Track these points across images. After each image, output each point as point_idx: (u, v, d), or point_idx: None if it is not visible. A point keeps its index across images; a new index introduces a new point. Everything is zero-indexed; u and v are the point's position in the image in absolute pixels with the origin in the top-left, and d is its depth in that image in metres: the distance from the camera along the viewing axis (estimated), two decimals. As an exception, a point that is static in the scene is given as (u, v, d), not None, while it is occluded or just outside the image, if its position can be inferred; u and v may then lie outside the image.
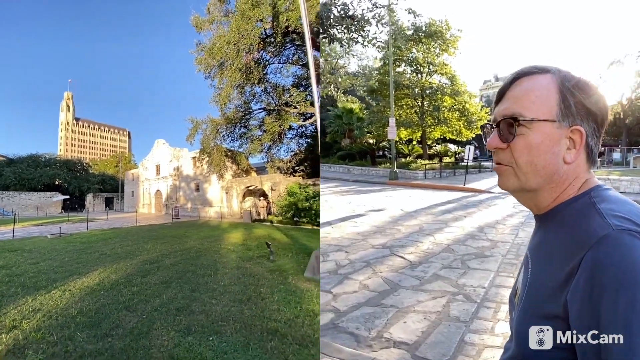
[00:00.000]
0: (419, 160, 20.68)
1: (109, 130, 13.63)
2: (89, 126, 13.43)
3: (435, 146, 24.24)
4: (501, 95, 0.85)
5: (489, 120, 0.90)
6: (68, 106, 12.75)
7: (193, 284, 5.50)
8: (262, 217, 10.33)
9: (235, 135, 10.05)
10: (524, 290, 0.83)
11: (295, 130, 10.14)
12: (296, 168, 10.21)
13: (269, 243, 6.89)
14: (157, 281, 5.64)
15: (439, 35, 19.04)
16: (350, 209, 10.75)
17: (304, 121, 9.52)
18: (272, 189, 10.00)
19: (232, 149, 10.15)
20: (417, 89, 19.54)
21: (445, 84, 20.54)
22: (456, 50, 19.29)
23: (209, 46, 9.16)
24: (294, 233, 10.11)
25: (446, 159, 22.85)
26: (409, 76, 21.16)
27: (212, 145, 9.68)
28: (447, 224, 8.23)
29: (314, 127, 9.67)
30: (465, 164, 16.01)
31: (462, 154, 25.18)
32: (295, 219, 9.26)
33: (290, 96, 8.94)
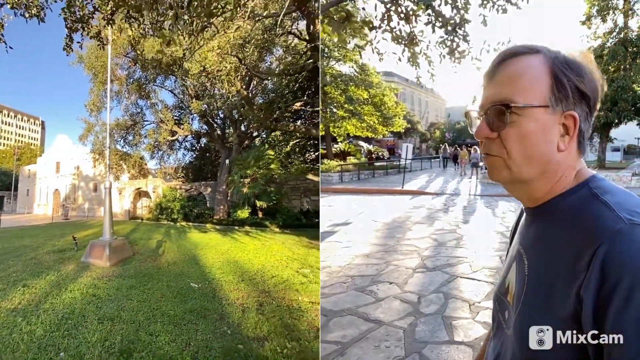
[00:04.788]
0: (327, 161, 20.52)
1: (16, 117, 11.18)
2: (-13, 109, 10.71)
3: (337, 144, 24.43)
4: (488, 78, 0.85)
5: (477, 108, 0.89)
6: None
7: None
8: (142, 215, 12.43)
9: (127, 141, 12.14)
10: (521, 289, 0.85)
11: (180, 143, 12.91)
12: (178, 174, 13.09)
13: (75, 236, 8.23)
14: None
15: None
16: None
17: (174, 137, 12.18)
18: (153, 191, 12.22)
19: (128, 152, 12.16)
20: (328, 77, 19.28)
21: (355, 73, 20.75)
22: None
23: (84, 54, 10.81)
24: (143, 227, 11.60)
25: (352, 159, 23.23)
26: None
27: (107, 148, 10.74)
28: (457, 232, 8.32)
29: (193, 141, 13.15)
30: (404, 163, 16.62)
31: (380, 153, 26.33)
32: (159, 216, 11.85)
33: (163, 114, 11.70)
